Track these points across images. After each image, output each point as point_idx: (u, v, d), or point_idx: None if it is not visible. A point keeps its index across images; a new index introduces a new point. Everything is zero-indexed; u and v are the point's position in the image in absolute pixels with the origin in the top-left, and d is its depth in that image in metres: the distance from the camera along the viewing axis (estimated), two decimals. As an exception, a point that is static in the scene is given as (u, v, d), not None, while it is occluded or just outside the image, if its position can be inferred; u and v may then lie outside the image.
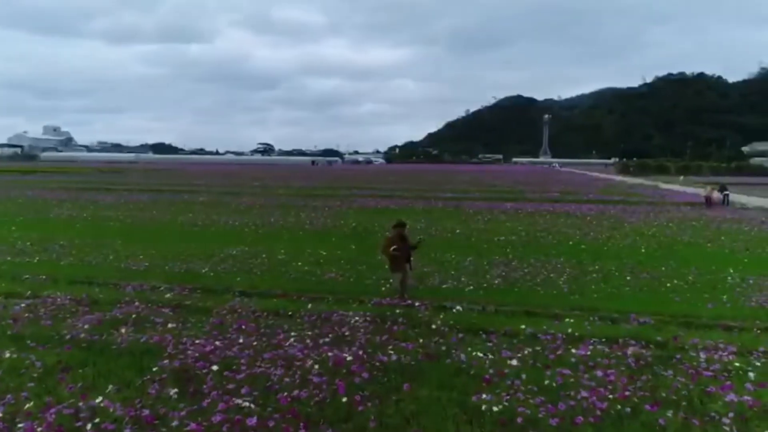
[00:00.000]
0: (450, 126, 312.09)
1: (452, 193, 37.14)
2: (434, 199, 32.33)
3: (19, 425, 4.81)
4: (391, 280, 9.95)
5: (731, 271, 11.89)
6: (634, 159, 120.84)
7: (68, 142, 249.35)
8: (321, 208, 26.44)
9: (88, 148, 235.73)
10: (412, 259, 9.88)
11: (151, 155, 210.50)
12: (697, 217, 23.68)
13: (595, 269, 12.17)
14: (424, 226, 19.66)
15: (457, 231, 18.51)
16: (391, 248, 9.48)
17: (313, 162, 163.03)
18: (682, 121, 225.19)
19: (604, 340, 7.24)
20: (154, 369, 5.99)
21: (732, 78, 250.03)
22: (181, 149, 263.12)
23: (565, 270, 12.06)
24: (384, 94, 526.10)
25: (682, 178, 60.38)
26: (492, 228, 19.58)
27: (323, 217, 22.83)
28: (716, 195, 31.25)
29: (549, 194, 37.15)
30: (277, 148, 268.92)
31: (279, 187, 43.48)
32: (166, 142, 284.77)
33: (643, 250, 14.72)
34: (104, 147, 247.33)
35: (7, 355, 6.42)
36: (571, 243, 16.03)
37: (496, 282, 10.87)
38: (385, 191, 38.51)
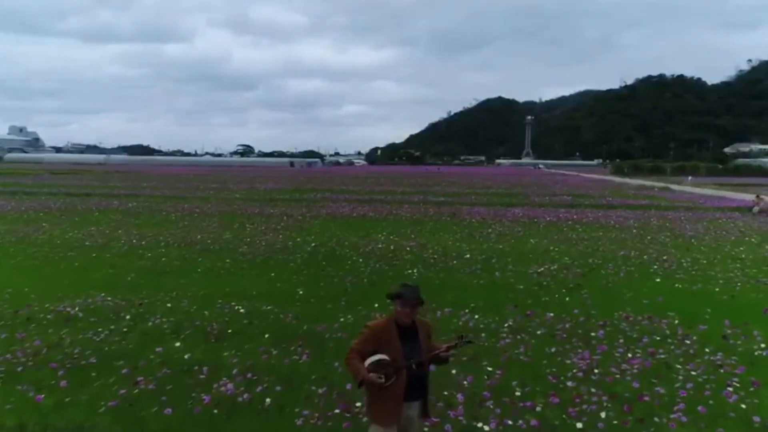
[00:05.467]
0: (432, 128, 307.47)
1: (444, 197, 31.03)
2: (423, 204, 26.23)
3: None
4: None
5: None
6: (617, 160, 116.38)
7: (35, 143, 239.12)
8: (278, 218, 20.19)
9: (62, 150, 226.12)
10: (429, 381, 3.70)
11: (123, 156, 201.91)
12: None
13: (763, 355, 6.22)
14: (416, 246, 13.56)
15: (467, 255, 12.40)
16: (370, 367, 3.42)
17: (291, 163, 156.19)
18: (661, 122, 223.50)
19: None
20: None
21: (710, 80, 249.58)
22: (160, 151, 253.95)
23: (702, 352, 6.09)
24: (365, 95, 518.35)
25: (689, 178, 55.21)
26: (513, 249, 13.53)
27: (275, 231, 16.58)
28: (766, 202, 25.77)
29: (558, 198, 31.28)
30: (257, 149, 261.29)
31: (238, 190, 36.97)
32: (144, 143, 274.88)
33: None
34: (78, 148, 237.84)
35: None
36: (658, 280, 10.04)
37: (610, 418, 4.75)
38: (363, 194, 32.30)
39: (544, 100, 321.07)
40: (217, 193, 33.78)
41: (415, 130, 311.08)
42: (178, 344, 6.34)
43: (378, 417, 3.50)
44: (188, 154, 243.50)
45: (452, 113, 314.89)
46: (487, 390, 5.16)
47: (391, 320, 3.57)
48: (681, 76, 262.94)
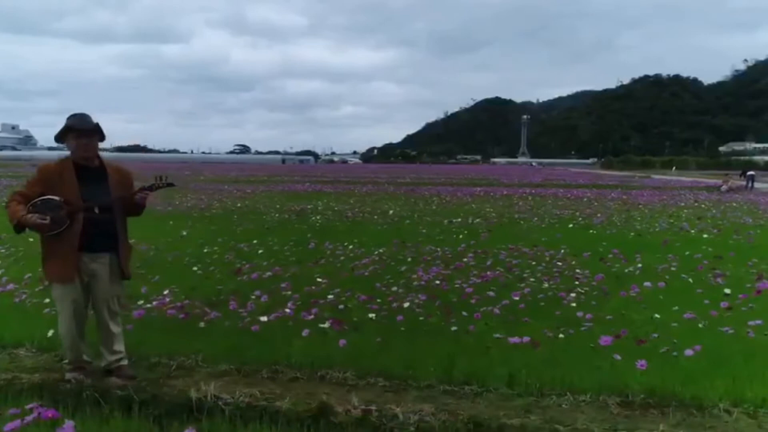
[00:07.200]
0: (429, 127, 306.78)
1: (411, 180, 30.53)
2: (387, 184, 25.71)
3: None
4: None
5: None
6: (610, 157, 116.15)
7: (27, 141, 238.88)
8: (227, 192, 19.66)
9: (55, 149, 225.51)
10: (125, 238, 3.17)
11: (116, 154, 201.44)
12: (729, 201, 17.48)
13: (635, 273, 5.71)
14: (346, 209, 13.01)
15: (390, 212, 11.89)
16: (31, 207, 2.87)
17: (282, 161, 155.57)
18: (658, 122, 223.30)
19: None
20: None
21: (707, 80, 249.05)
22: (157, 151, 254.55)
23: (570, 270, 5.57)
24: (364, 96, 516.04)
25: (674, 168, 54.94)
26: (447, 210, 13.04)
27: (214, 198, 16.03)
28: (734, 182, 25.53)
29: (530, 180, 30.80)
30: (254, 150, 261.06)
31: (207, 175, 36.46)
32: (141, 144, 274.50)
33: (705, 236, 8.28)
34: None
35: None
36: (571, 226, 9.55)
37: (414, 309, 4.24)
38: (329, 177, 31.81)
39: (541, 100, 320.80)
40: (184, 176, 33.19)
41: (413, 130, 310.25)
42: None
43: (51, 272, 2.96)
44: (184, 154, 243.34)
45: (449, 113, 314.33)
46: (301, 295, 4.62)
47: (66, 160, 3.05)
48: (677, 76, 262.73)
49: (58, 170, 2.99)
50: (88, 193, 2.95)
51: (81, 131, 2.95)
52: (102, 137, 3.07)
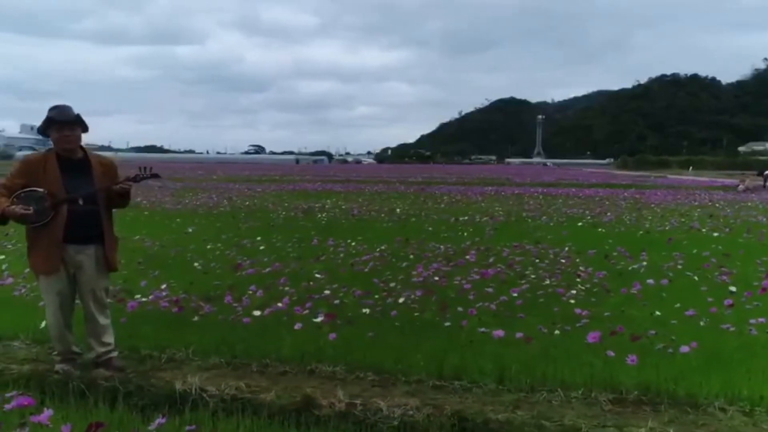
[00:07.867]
0: (443, 127, 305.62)
1: (423, 179, 30.45)
2: (399, 183, 25.66)
3: None
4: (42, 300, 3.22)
5: None
6: (626, 156, 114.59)
7: (45, 141, 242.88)
8: (237, 190, 19.77)
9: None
10: (108, 231, 3.16)
11: (131, 154, 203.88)
12: (745, 200, 17.17)
13: (639, 270, 5.61)
14: (354, 207, 12.99)
15: (398, 210, 11.84)
16: (14, 199, 2.88)
17: (296, 161, 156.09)
18: (675, 121, 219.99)
19: None
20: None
21: (725, 80, 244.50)
22: (173, 151, 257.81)
23: (573, 268, 5.48)
24: (377, 96, 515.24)
25: (690, 168, 54.20)
26: (455, 208, 12.97)
27: (224, 197, 16.12)
28: (751, 181, 25.13)
29: (542, 179, 30.56)
30: (268, 149, 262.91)
31: (221, 175, 36.72)
32: (157, 144, 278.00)
33: (715, 234, 8.13)
34: (92, 147, 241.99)
35: None
36: (580, 224, 9.43)
37: (410, 304, 4.20)
38: (341, 177, 31.85)
39: (556, 100, 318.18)
40: (197, 176, 33.48)
41: (427, 131, 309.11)
42: None
43: (36, 264, 2.98)
44: (200, 154, 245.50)
45: (464, 113, 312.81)
46: (298, 290, 4.60)
47: (50, 152, 3.08)
48: (695, 75, 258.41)
49: (42, 162, 3.01)
50: (71, 185, 2.96)
51: (62, 123, 2.97)
52: (84, 128, 3.08)
